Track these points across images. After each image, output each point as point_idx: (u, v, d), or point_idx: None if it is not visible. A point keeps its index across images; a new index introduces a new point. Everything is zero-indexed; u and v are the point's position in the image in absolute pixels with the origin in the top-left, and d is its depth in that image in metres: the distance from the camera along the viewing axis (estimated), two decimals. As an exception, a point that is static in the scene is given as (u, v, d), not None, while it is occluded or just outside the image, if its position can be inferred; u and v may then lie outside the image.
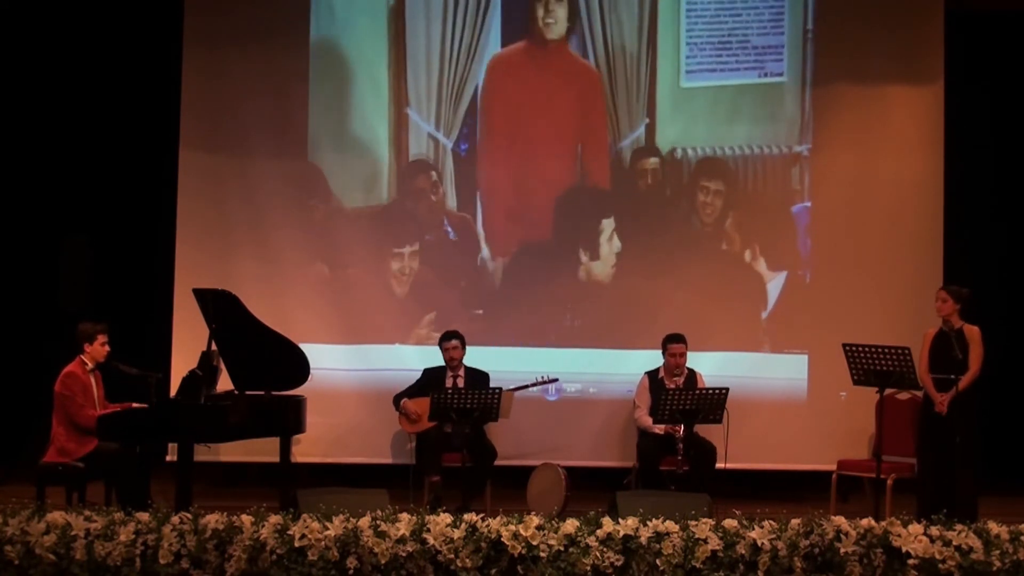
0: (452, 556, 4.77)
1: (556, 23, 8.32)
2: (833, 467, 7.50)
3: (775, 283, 8.27)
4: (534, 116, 8.33)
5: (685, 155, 8.32)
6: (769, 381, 8.19)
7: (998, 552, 4.80)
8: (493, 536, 4.81)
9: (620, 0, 8.31)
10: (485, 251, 8.32)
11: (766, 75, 8.30)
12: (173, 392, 7.16)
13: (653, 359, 7.73)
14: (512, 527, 4.81)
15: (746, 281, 8.27)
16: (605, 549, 4.78)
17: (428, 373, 7.73)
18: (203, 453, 6.94)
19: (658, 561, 4.76)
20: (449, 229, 8.34)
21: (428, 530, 4.81)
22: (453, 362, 7.64)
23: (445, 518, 4.88)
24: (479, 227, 8.33)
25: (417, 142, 8.35)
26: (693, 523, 4.86)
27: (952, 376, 6.78)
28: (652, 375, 7.64)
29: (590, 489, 7.46)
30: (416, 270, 8.30)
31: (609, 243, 8.31)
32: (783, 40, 8.31)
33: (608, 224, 8.32)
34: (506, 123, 8.34)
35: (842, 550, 4.78)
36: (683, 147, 8.32)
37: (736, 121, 8.30)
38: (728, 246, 8.30)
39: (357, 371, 8.22)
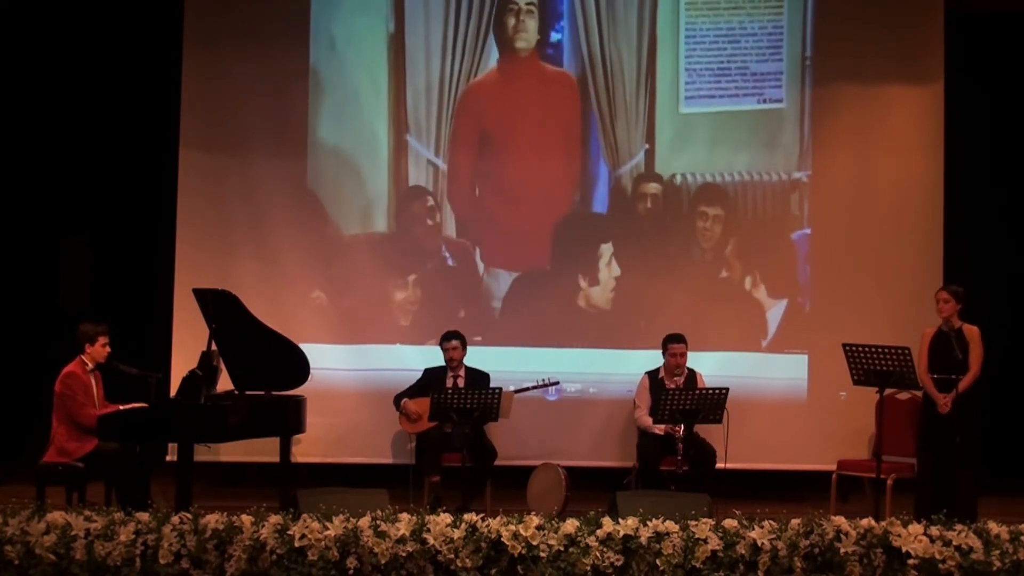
0: (452, 556, 4.77)
1: (527, 33, 8.32)
2: (833, 467, 7.50)
3: (775, 311, 8.26)
4: (520, 132, 8.31)
5: (684, 181, 8.32)
6: (769, 381, 8.19)
7: (998, 552, 4.80)
8: (493, 536, 4.80)
9: (619, 26, 8.30)
10: (484, 277, 8.31)
11: (765, 101, 8.30)
12: (173, 392, 7.16)
13: (653, 359, 7.73)
14: (512, 527, 4.81)
15: (745, 308, 8.26)
16: (605, 549, 4.78)
17: (428, 373, 7.73)
18: (203, 453, 6.93)
19: (658, 561, 4.76)
20: (447, 255, 8.34)
21: (428, 530, 4.81)
22: (453, 362, 7.63)
23: (445, 518, 4.88)
24: (477, 253, 8.31)
25: (416, 168, 8.34)
26: (693, 523, 4.85)
27: (953, 376, 6.78)
28: (652, 375, 7.64)
29: (590, 489, 7.47)
30: (420, 296, 8.28)
31: (608, 268, 8.31)
32: (782, 67, 8.31)
33: (607, 249, 8.32)
34: (495, 144, 8.33)
35: (842, 550, 4.78)
36: (683, 173, 8.32)
37: (735, 147, 8.30)
38: (728, 273, 8.30)
39: (357, 371, 8.22)
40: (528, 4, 8.32)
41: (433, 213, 8.35)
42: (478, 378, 7.62)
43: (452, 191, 8.34)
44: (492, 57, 8.36)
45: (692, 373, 7.60)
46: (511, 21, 8.33)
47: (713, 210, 8.32)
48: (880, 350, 6.71)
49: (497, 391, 6.98)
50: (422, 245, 8.34)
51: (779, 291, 8.29)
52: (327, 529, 4.80)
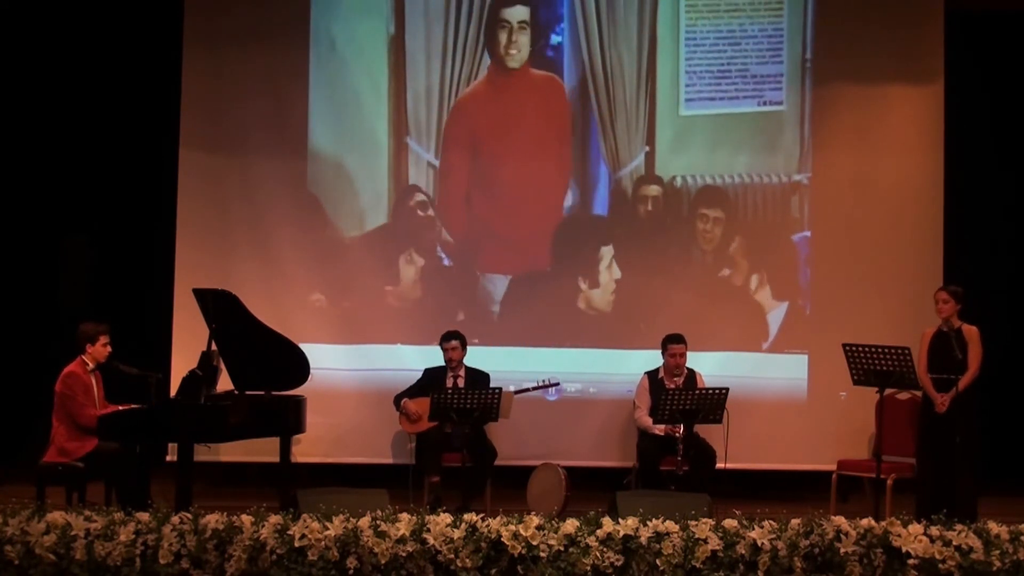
0: (452, 556, 4.77)
1: (519, 52, 8.31)
2: (833, 467, 7.50)
3: (776, 313, 8.26)
4: (512, 139, 8.31)
5: (685, 183, 8.31)
6: (769, 381, 8.19)
7: (998, 552, 4.80)
8: (493, 536, 4.80)
9: (619, 29, 8.30)
10: (480, 278, 8.31)
11: (765, 104, 8.30)
12: (173, 392, 7.16)
13: (653, 359, 7.73)
14: (512, 527, 4.81)
15: (746, 310, 8.26)
16: (605, 549, 4.78)
17: (428, 373, 7.73)
18: (203, 453, 6.94)
19: (658, 561, 4.76)
20: (445, 256, 8.33)
21: (428, 530, 4.81)
22: (453, 362, 7.63)
23: (445, 518, 4.88)
24: (476, 257, 8.31)
25: (417, 170, 8.33)
26: (693, 523, 4.85)
27: (952, 376, 6.78)
28: (652, 375, 7.64)
29: (590, 489, 7.46)
30: (420, 297, 8.28)
31: (608, 270, 8.31)
32: (782, 69, 8.30)
33: (607, 251, 8.32)
34: (488, 153, 8.33)
35: (842, 550, 4.78)
36: (683, 175, 8.31)
37: (735, 150, 8.30)
38: (728, 276, 8.30)
39: (357, 371, 8.22)
40: (521, 22, 8.32)
41: (432, 215, 8.35)
42: (478, 378, 7.62)
43: (448, 198, 8.34)
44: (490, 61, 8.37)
45: (692, 373, 7.60)
46: (503, 38, 8.32)
47: (713, 212, 8.32)
48: (880, 350, 6.71)
49: (497, 391, 6.98)
50: (422, 247, 8.34)
51: (780, 294, 8.28)
52: (327, 529, 4.80)
